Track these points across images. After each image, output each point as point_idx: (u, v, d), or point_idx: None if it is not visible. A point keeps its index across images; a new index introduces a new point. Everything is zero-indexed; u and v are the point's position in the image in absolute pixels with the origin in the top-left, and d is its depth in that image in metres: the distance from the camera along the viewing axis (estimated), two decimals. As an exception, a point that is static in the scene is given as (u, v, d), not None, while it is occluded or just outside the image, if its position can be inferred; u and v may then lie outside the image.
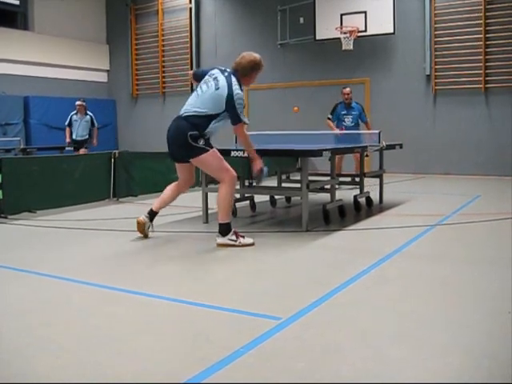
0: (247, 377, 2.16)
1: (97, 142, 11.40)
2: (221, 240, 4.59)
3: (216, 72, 4.70)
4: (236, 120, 4.56)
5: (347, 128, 9.06)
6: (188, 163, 4.80)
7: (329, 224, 5.57)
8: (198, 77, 4.86)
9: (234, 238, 4.58)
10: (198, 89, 4.70)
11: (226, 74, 4.67)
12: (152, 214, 4.97)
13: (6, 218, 6.22)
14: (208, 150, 4.59)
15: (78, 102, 11.10)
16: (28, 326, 2.78)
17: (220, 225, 4.61)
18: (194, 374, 2.16)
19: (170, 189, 5.03)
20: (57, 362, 2.33)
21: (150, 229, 4.99)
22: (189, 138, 4.51)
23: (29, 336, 2.64)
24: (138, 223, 4.92)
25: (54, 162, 7.25)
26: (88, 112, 11.20)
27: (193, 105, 4.63)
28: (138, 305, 3.14)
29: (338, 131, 8.90)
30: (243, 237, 4.64)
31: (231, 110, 4.52)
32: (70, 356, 2.39)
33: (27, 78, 13.61)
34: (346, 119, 9.23)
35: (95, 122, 11.27)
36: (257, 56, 4.71)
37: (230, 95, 4.49)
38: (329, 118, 9.30)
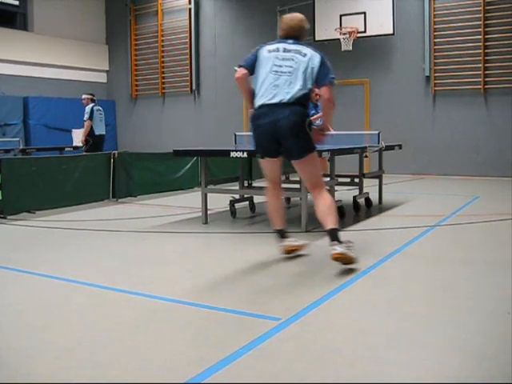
0: (246, 377, 2.16)
1: (82, 138, 10.03)
2: (341, 249, 3.72)
3: (280, 46, 4.09)
4: (331, 79, 4.00)
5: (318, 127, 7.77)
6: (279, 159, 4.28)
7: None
8: (251, 64, 4.14)
9: (350, 244, 3.82)
10: (277, 68, 3.98)
11: (291, 41, 4.09)
12: (281, 232, 4.37)
13: (5, 218, 6.22)
14: (315, 150, 4.09)
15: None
16: (27, 326, 2.78)
17: (332, 230, 3.85)
18: (193, 375, 2.16)
19: (274, 198, 4.41)
20: (57, 362, 2.33)
21: (292, 240, 4.39)
22: (306, 126, 3.94)
23: (28, 336, 2.63)
24: (288, 250, 4.30)
25: (53, 162, 7.25)
26: (90, 104, 10.06)
27: (292, 84, 3.91)
28: (137, 305, 3.13)
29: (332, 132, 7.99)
30: None
31: (325, 70, 3.97)
32: (69, 356, 2.39)
33: (26, 78, 13.61)
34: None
35: (87, 114, 9.92)
36: (298, 14, 4.24)
37: (322, 57, 4.01)
38: None
